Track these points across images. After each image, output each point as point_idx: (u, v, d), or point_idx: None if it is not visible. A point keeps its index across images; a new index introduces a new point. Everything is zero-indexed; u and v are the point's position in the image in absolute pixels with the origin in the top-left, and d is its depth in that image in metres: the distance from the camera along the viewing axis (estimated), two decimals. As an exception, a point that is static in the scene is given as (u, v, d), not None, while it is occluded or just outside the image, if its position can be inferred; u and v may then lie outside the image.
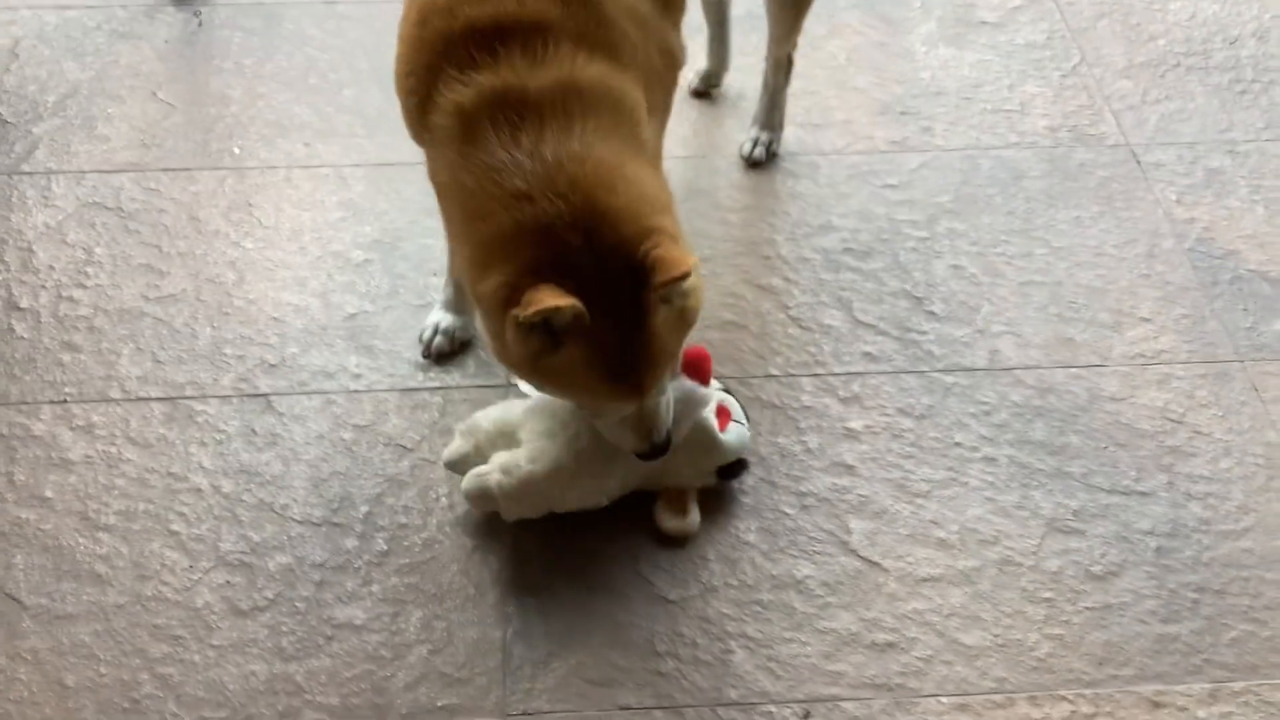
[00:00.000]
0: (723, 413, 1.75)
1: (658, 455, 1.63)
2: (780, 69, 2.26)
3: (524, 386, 1.80)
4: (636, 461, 1.67)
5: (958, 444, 1.87)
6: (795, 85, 2.41)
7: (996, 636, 1.65)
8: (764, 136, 2.30)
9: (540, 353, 1.48)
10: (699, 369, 1.73)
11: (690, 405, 1.70)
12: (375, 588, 1.69)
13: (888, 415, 1.90)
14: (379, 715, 1.57)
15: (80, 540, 1.73)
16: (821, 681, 1.61)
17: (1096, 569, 1.72)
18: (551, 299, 1.41)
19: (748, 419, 1.81)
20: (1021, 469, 1.83)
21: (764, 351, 1.99)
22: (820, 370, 1.96)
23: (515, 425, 1.72)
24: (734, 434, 1.75)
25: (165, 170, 2.27)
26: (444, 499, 1.78)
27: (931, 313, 2.05)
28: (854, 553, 1.74)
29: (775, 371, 1.96)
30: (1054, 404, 1.92)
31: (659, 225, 1.49)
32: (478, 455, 1.73)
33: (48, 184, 2.24)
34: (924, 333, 2.02)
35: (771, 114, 2.30)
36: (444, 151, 1.57)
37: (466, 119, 1.52)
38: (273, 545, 1.73)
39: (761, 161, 2.30)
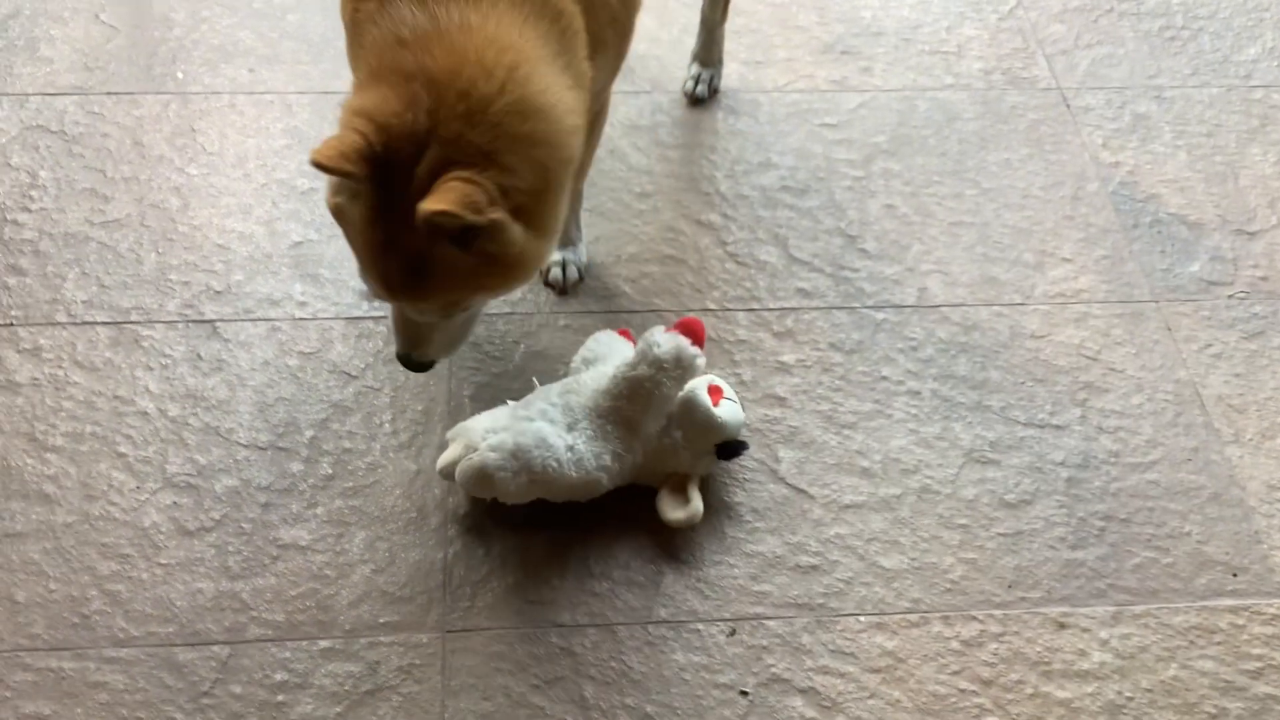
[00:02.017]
0: (714, 390, 1.74)
1: (412, 368, 1.64)
2: (717, 4, 2.29)
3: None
4: (631, 437, 1.70)
5: (885, 378, 1.94)
6: (738, 22, 2.45)
7: (913, 560, 1.74)
8: (704, 74, 2.34)
9: (338, 188, 1.44)
10: (694, 333, 1.74)
11: (683, 365, 1.71)
12: (320, 510, 1.74)
13: (819, 350, 1.97)
14: (323, 631, 1.63)
15: (28, 461, 1.76)
16: (747, 601, 1.69)
17: (1010, 497, 1.81)
18: (334, 158, 1.33)
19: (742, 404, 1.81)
20: (944, 402, 1.92)
21: (701, 286, 2.05)
22: (755, 305, 2.03)
23: (504, 423, 1.70)
24: (728, 410, 1.74)
25: (109, 94, 2.27)
26: (388, 425, 1.84)
27: (864, 250, 2.11)
28: (782, 480, 1.81)
29: (712, 305, 2.02)
30: (977, 340, 2.00)
31: (506, 160, 1.39)
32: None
33: (-10, 106, 2.24)
34: (856, 270, 2.08)
35: (710, 50, 2.34)
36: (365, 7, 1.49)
37: None
38: (219, 468, 1.77)
39: (704, 98, 2.33)
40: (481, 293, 1.54)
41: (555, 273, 2.03)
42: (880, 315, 2.02)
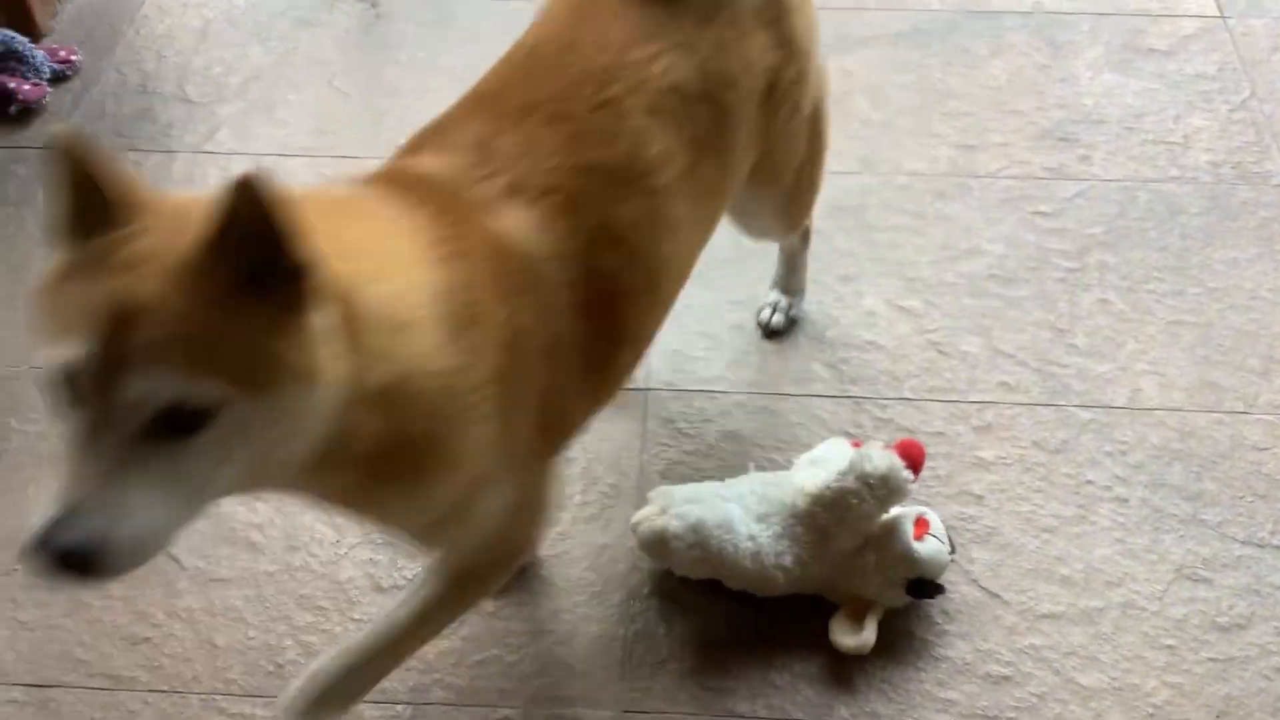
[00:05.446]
0: (922, 523, 1.67)
1: (65, 566, 0.94)
2: (799, 239, 2.00)
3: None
4: (821, 547, 1.65)
5: (1090, 482, 1.86)
6: (951, 105, 2.42)
7: (1114, 680, 1.65)
8: (783, 301, 2.07)
9: None
10: (912, 458, 1.68)
11: (890, 486, 1.64)
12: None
13: (1020, 447, 1.90)
14: (503, 698, 1.65)
15: (239, 508, 1.84)
16: (933, 707, 1.63)
17: (1223, 620, 1.70)
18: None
19: (952, 546, 1.71)
20: (1154, 512, 1.82)
21: (899, 373, 2.00)
22: (954, 396, 1.97)
23: (704, 497, 1.70)
24: (930, 547, 1.66)
25: (335, 157, 2.38)
26: (578, 496, 1.85)
27: (1074, 346, 2.04)
28: (975, 583, 1.75)
29: (909, 394, 1.98)
30: (1193, 448, 1.89)
31: None
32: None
33: (228, 164, 2.37)
34: (1064, 366, 2.01)
35: (790, 279, 2.06)
36: None
37: None
38: (414, 527, 1.82)
39: (780, 330, 2.06)
40: (243, 385, 0.95)
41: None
42: (1088, 415, 1.94)
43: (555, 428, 1.36)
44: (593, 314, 1.30)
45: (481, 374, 1.17)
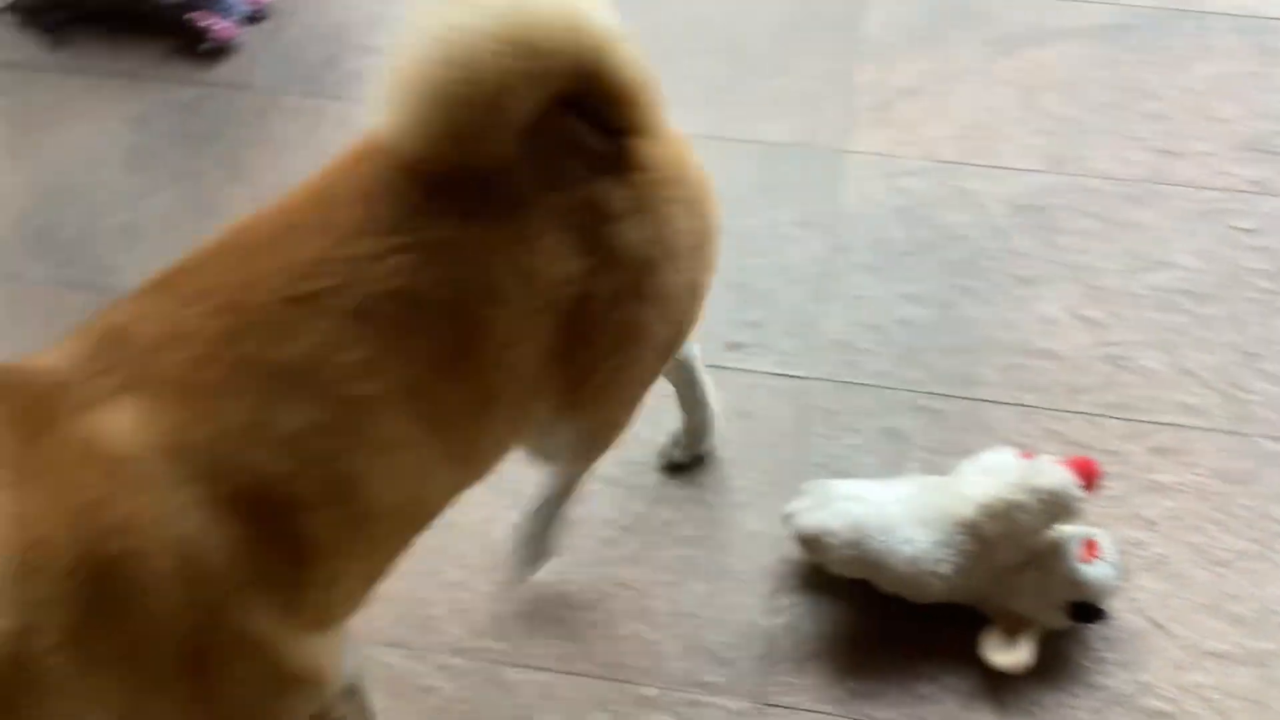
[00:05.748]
0: (1091, 545, 1.61)
1: None
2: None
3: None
4: (982, 558, 1.60)
5: (1272, 518, 1.77)
6: (1148, 106, 2.32)
7: (1282, 729, 1.58)
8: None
9: None
10: (1086, 475, 1.60)
11: (1060, 502, 1.57)
12: (659, 554, 1.75)
13: (1199, 474, 1.82)
14: (645, 677, 1.64)
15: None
16: (1085, 737, 1.58)
17: (1407, 680, 1.61)
18: None
19: (1122, 572, 1.65)
20: (1339, 556, 1.73)
21: (1074, 385, 1.93)
22: (1131, 415, 1.89)
23: (863, 495, 1.68)
24: (1098, 571, 1.60)
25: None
26: (733, 480, 1.83)
27: (1264, 371, 1.94)
28: (1140, 612, 1.68)
29: (1082, 408, 1.90)
30: (1388, 493, 1.79)
31: None
32: None
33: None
34: (1253, 392, 1.91)
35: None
36: None
37: None
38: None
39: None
40: None
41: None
42: (1274, 446, 1.85)
43: (212, 673, 1.08)
44: (255, 520, 1.08)
45: (57, 630, 0.97)
